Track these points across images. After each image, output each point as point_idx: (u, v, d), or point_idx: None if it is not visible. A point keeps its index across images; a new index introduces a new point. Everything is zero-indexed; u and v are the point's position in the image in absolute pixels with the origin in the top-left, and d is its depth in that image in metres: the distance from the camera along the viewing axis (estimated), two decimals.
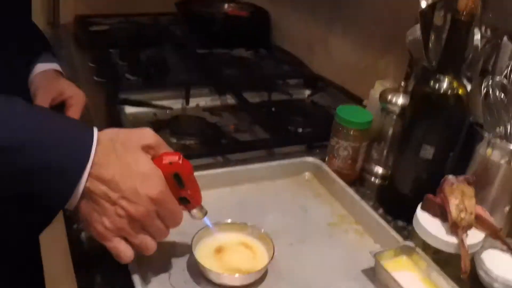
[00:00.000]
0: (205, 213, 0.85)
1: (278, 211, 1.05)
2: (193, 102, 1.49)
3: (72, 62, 1.70)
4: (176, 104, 1.47)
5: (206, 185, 1.06)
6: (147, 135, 0.78)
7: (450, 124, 0.99)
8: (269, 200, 1.09)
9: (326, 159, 1.19)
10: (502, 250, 0.94)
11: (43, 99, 1.05)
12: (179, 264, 0.88)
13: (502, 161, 0.95)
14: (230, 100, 1.53)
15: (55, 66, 1.14)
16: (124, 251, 0.75)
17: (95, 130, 0.73)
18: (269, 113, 1.46)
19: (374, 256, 0.89)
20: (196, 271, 0.87)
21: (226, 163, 1.20)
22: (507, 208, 0.99)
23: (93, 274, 0.85)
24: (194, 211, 0.84)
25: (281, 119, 1.41)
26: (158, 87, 1.52)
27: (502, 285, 0.89)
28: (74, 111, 1.08)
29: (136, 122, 1.36)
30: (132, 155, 0.73)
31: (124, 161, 0.72)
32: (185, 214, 0.82)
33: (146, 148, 0.76)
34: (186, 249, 0.89)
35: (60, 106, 1.09)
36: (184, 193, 0.79)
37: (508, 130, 0.98)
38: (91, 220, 0.73)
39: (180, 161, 0.77)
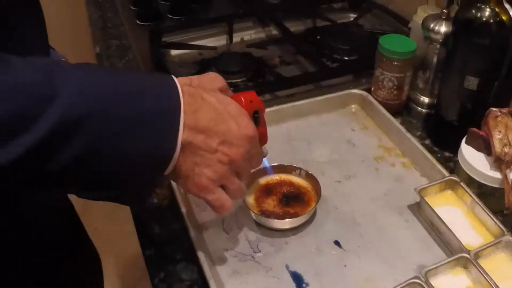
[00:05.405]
0: (266, 154, 0.84)
1: (325, 146, 1.08)
2: (237, 37, 1.50)
3: (115, 7, 1.71)
4: (220, 41, 1.47)
5: None
6: (217, 79, 0.75)
7: (494, 53, 0.96)
8: (316, 136, 1.11)
9: (372, 89, 1.19)
10: None
11: None
12: (231, 212, 0.92)
13: None
14: (274, 31, 1.52)
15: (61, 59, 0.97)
16: (226, 200, 0.72)
17: (174, 77, 0.67)
18: (314, 42, 1.45)
19: (418, 192, 0.91)
20: (247, 215, 0.91)
21: (274, 100, 1.21)
22: None
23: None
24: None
25: (327, 48, 1.40)
26: (201, 25, 1.52)
27: None
28: None
29: (182, 63, 1.38)
30: (216, 97, 0.69)
31: (212, 105, 0.68)
32: None
33: (220, 91, 0.73)
34: None
35: None
36: (260, 131, 0.76)
37: None
38: (193, 175, 0.68)
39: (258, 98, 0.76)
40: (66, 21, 2.25)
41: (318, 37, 1.48)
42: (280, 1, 1.67)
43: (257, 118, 0.76)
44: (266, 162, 0.91)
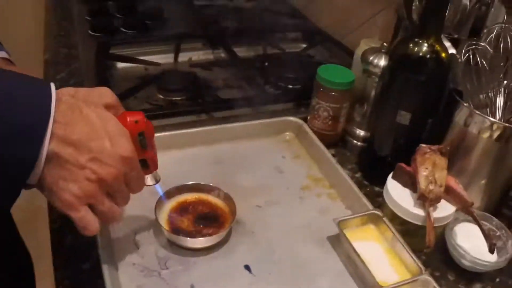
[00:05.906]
0: (159, 180, 0.81)
1: (253, 171, 1.05)
2: (185, 56, 1.48)
3: (70, 15, 1.70)
4: (167, 59, 1.46)
5: (184, 144, 1.07)
6: (107, 93, 0.73)
7: (429, 89, 0.95)
8: (245, 160, 1.08)
9: (308, 119, 1.17)
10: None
11: None
12: (145, 226, 0.89)
13: (480, 134, 0.91)
14: (223, 54, 1.51)
15: (3, 54, 0.97)
16: (92, 221, 0.68)
17: (52, 85, 0.64)
18: (261, 68, 1.44)
19: (337, 223, 0.88)
20: (161, 232, 0.87)
21: (210, 121, 1.19)
22: (483, 182, 0.97)
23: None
24: (149, 177, 0.79)
25: (272, 75, 1.39)
26: (149, 42, 1.52)
27: (470, 262, 0.87)
28: None
29: (126, 76, 1.36)
30: (96, 113, 0.66)
31: (89, 120, 0.65)
32: None
33: (107, 107, 0.70)
34: (151, 211, 0.88)
35: None
36: (146, 155, 0.75)
37: (492, 101, 0.94)
38: (57, 189, 0.64)
39: (145, 120, 0.73)
40: (23, 25, 2.23)
41: (266, 64, 1.47)
42: (233, 26, 1.66)
43: (142, 140, 0.73)
44: (159, 189, 0.86)
